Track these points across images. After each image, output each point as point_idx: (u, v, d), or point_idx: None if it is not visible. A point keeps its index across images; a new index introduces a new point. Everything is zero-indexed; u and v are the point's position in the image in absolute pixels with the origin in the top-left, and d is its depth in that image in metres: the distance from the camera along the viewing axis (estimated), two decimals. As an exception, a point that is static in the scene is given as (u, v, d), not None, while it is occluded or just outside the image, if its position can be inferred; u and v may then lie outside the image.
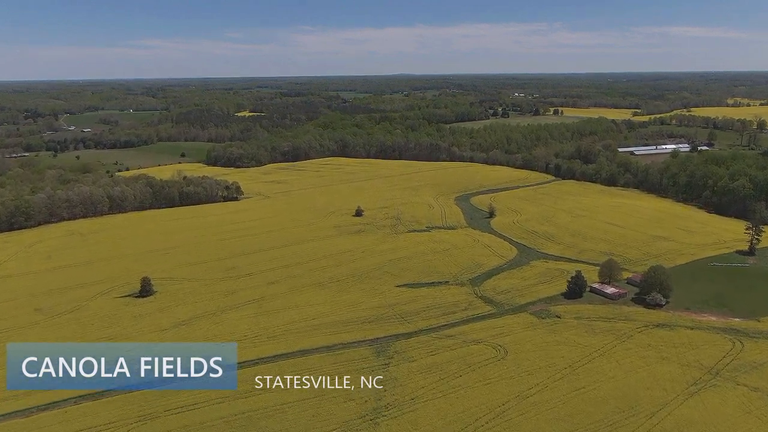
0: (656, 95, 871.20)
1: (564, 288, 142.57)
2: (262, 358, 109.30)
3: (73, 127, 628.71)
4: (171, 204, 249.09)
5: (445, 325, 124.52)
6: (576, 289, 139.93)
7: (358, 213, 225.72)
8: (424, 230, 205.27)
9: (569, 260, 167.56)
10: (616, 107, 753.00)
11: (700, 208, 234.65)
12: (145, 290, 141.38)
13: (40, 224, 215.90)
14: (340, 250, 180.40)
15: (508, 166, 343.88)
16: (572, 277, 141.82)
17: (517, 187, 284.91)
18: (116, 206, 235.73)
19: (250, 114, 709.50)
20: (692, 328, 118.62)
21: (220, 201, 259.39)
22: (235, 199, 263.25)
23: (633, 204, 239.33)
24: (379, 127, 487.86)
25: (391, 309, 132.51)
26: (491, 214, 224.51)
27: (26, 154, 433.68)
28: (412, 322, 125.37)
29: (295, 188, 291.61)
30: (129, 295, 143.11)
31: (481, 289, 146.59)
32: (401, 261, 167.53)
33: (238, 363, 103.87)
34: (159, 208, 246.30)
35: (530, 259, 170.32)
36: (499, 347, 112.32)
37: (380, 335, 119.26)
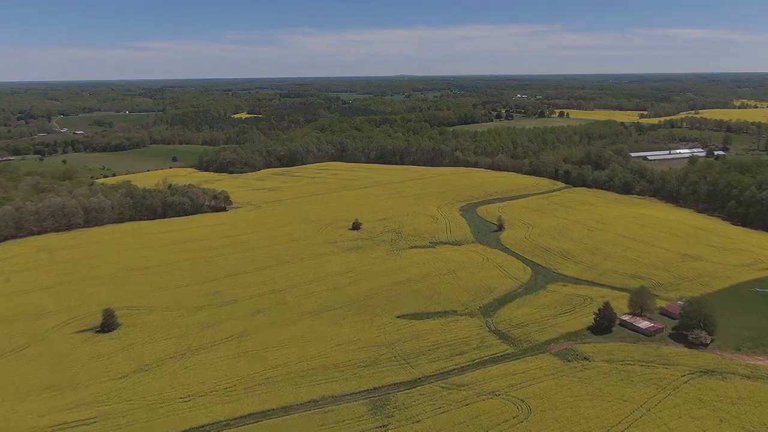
0: (662, 97, 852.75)
1: (590, 320, 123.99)
2: (235, 419, 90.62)
3: (65, 129, 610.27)
4: (153, 215, 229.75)
5: (455, 369, 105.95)
6: (604, 323, 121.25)
7: (356, 226, 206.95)
8: (428, 246, 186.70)
9: (591, 284, 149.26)
10: (621, 109, 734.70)
11: (725, 219, 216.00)
12: (108, 325, 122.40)
13: (6, 239, 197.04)
14: (335, 270, 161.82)
15: (514, 171, 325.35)
16: (600, 309, 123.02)
17: (526, 196, 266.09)
18: (92, 218, 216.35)
19: (247, 116, 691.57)
20: (749, 378, 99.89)
21: (207, 211, 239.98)
22: (224, 209, 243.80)
23: (652, 215, 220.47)
24: (379, 130, 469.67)
25: (390, 348, 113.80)
26: (500, 227, 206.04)
27: (12, 158, 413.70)
28: (415, 366, 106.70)
29: (289, 196, 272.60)
30: (89, 329, 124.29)
31: (495, 320, 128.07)
32: (402, 285, 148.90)
33: (201, 426, 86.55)
34: (140, 219, 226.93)
35: (547, 282, 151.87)
36: (520, 402, 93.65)
37: (378, 384, 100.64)
